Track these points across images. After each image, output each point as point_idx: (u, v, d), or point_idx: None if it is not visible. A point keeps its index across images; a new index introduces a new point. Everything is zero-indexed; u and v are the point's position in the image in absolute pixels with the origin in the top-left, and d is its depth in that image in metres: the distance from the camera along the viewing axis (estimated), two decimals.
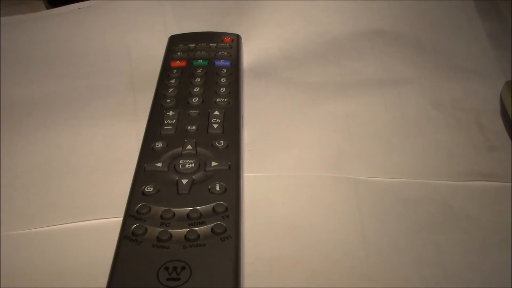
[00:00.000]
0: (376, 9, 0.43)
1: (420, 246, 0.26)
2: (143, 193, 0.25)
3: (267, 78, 0.37)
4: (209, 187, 0.25)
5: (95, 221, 0.26)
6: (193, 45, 0.37)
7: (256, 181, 0.29)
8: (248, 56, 0.39)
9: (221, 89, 0.32)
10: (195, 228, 0.23)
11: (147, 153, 0.28)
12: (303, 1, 0.43)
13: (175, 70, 0.34)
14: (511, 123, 0.32)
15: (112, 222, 0.26)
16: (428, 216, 0.27)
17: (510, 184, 0.29)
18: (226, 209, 0.24)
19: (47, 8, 0.45)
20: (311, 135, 0.32)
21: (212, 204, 0.25)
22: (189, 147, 0.28)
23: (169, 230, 0.23)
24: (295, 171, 0.30)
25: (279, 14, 0.42)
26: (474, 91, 0.36)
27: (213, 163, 0.27)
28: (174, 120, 0.30)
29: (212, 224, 0.24)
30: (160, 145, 0.28)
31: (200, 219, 0.24)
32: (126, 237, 0.23)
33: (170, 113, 0.30)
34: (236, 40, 0.38)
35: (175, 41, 0.37)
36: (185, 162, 0.27)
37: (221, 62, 0.35)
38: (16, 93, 0.36)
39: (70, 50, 0.40)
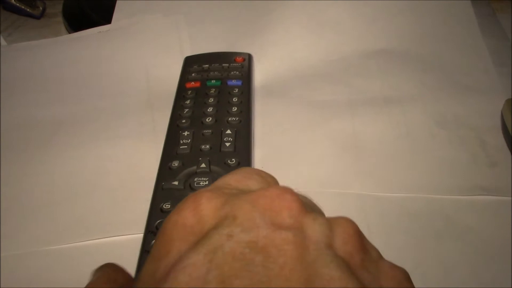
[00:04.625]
0: (381, 29, 0.44)
1: (424, 259, 0.27)
2: (161, 210, 0.27)
3: (278, 97, 0.39)
4: None
5: (119, 237, 0.28)
6: (207, 65, 0.39)
7: None
8: (261, 75, 0.41)
9: (233, 108, 0.34)
10: None
11: (164, 171, 0.30)
12: (312, 22, 0.44)
13: (190, 91, 0.36)
14: (511, 140, 0.33)
15: (134, 238, 0.28)
16: (432, 229, 0.29)
17: (510, 198, 0.30)
18: None
19: (69, 32, 0.48)
20: (320, 152, 0.34)
21: None
22: (203, 165, 0.30)
23: None
24: (306, 187, 0.31)
25: (290, 34, 0.44)
26: (476, 109, 0.37)
27: None
28: (189, 140, 0.32)
29: None
30: (176, 164, 0.30)
31: None
32: (147, 251, 0.25)
33: (186, 133, 0.32)
34: (247, 59, 0.40)
35: (190, 62, 0.40)
36: (199, 180, 0.29)
37: (233, 82, 0.37)
38: (40, 114, 0.39)
39: (90, 72, 0.42)
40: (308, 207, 0.16)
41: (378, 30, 0.44)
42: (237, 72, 0.38)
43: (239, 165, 0.30)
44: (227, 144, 0.31)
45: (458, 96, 0.38)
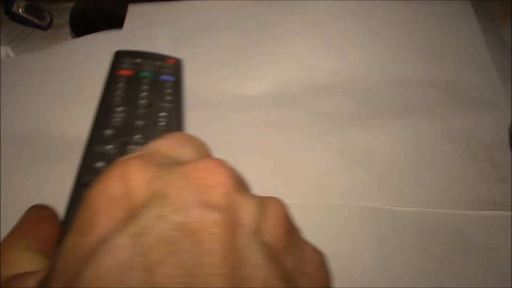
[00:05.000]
0: (388, 43, 0.45)
1: (436, 273, 0.28)
2: (94, 168, 0.26)
3: (288, 107, 0.40)
4: None
5: None
6: (140, 60, 0.39)
7: None
8: (269, 85, 0.42)
9: (166, 97, 0.35)
10: None
11: (96, 137, 0.29)
12: (320, 35, 0.47)
13: (122, 77, 0.36)
14: None
15: None
16: (444, 244, 0.29)
17: None
18: None
19: (72, 37, 0.47)
20: (331, 164, 0.34)
21: None
22: (138, 136, 0.30)
23: None
24: (318, 199, 0.32)
25: (299, 46, 0.45)
26: (484, 124, 0.38)
27: None
28: (124, 114, 0.31)
29: None
30: (110, 132, 0.29)
31: None
32: (76, 200, 0.24)
33: (119, 108, 0.32)
34: (178, 62, 0.41)
35: (121, 55, 0.40)
36: (134, 148, 0.28)
37: (166, 77, 0.38)
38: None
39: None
40: (241, 183, 0.16)
41: (387, 42, 0.45)
42: (170, 70, 0.39)
43: None
44: (161, 123, 0.32)
45: (466, 111, 0.39)
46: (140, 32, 0.47)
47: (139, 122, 0.31)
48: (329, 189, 0.33)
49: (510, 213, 0.32)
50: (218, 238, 0.13)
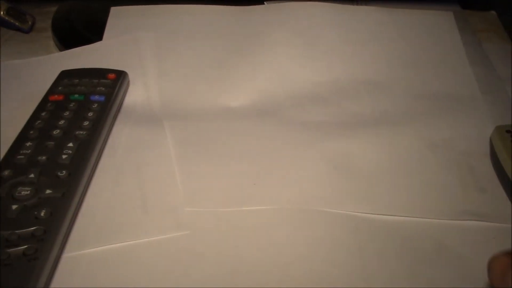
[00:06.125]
0: (371, 54, 0.46)
1: (414, 281, 0.28)
2: None
3: (270, 117, 0.40)
4: (36, 212, 0.28)
5: None
6: (77, 80, 0.40)
7: (261, 214, 0.32)
8: (252, 96, 0.42)
9: (85, 122, 0.36)
10: (8, 250, 0.26)
11: None
12: (304, 45, 0.46)
13: (50, 104, 0.37)
14: (500, 166, 0.34)
15: None
16: (422, 252, 0.30)
17: (498, 224, 0.31)
18: (44, 232, 0.27)
19: (58, 48, 0.49)
20: (312, 171, 0.35)
21: (33, 228, 0.27)
22: (31, 175, 0.31)
23: None
24: (297, 204, 0.33)
25: (283, 56, 0.46)
26: (464, 134, 0.39)
27: (48, 191, 0.30)
28: (29, 150, 0.33)
29: (25, 247, 0.26)
30: (6, 173, 0.31)
31: (17, 241, 0.27)
32: None
33: (28, 143, 0.33)
34: (120, 76, 0.41)
35: (62, 76, 0.41)
36: (21, 189, 0.30)
37: (96, 97, 0.38)
38: None
39: None
40: None
41: (370, 54, 0.46)
42: (103, 88, 0.39)
43: (69, 176, 0.31)
44: (64, 156, 0.32)
45: (447, 122, 0.40)
46: (122, 38, 0.47)
47: (42, 158, 0.32)
48: (309, 196, 0.33)
49: (488, 223, 0.32)
50: None
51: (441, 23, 0.48)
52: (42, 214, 0.28)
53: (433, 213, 0.32)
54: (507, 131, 0.36)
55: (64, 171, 0.31)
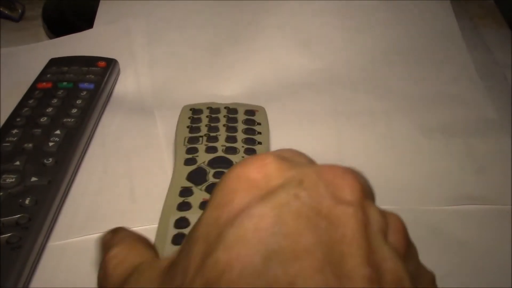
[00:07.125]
0: (366, 41, 0.45)
1: None
2: None
3: (264, 105, 0.39)
4: (21, 200, 0.28)
5: None
6: (66, 68, 0.39)
7: None
8: (245, 84, 0.42)
9: (73, 110, 0.35)
10: None
11: None
12: (298, 33, 0.46)
13: (38, 91, 0.37)
14: None
15: None
16: (420, 241, 0.29)
17: (498, 206, 0.31)
18: (29, 220, 0.27)
19: (48, 36, 0.48)
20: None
21: (17, 216, 0.27)
22: (17, 163, 0.30)
23: None
24: None
25: (276, 44, 0.45)
26: (462, 117, 0.38)
27: (33, 178, 0.29)
28: (16, 138, 0.32)
29: (8, 235, 0.26)
30: None
31: (0, 229, 0.26)
32: None
33: (14, 131, 0.33)
34: (110, 64, 0.40)
35: (51, 64, 0.40)
36: (6, 177, 0.29)
37: (85, 85, 0.38)
38: None
39: None
40: (368, 191, 0.16)
41: (364, 40, 0.45)
42: (92, 76, 0.38)
43: (56, 164, 0.30)
44: (51, 144, 0.32)
45: (444, 106, 0.40)
46: (113, 26, 0.47)
47: (28, 145, 0.32)
48: None
49: (486, 206, 0.31)
50: (351, 226, 0.14)
51: (437, 11, 0.48)
52: (27, 202, 0.28)
53: (429, 201, 0.32)
54: None
55: (50, 159, 0.31)
